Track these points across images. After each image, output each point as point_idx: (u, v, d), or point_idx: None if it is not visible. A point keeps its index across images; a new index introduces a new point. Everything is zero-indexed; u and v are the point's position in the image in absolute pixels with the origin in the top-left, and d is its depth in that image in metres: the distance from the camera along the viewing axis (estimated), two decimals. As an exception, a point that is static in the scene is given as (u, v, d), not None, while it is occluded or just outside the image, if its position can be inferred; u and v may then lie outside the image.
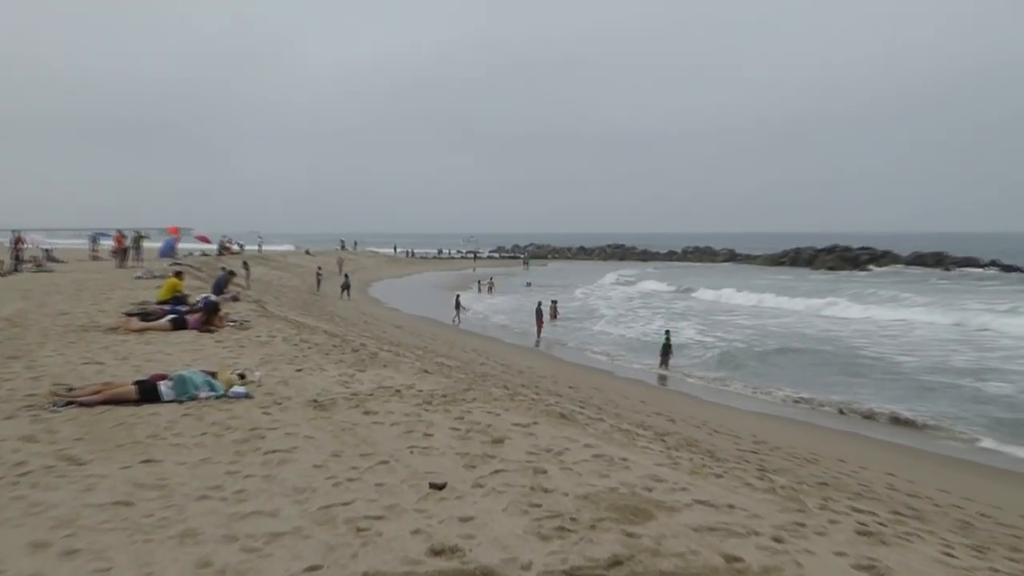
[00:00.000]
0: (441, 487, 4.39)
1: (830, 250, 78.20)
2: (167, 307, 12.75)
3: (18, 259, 27.01)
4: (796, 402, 15.29)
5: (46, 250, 32.82)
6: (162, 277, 19.20)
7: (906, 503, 7.35)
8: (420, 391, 7.47)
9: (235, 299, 16.15)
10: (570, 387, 13.58)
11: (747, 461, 8.02)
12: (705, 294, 41.81)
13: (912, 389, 16.39)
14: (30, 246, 31.59)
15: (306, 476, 4.56)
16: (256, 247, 60.83)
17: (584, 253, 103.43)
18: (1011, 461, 11.21)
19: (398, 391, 7.37)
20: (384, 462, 4.90)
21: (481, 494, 4.31)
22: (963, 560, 4.06)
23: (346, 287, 35.66)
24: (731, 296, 39.72)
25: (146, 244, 33.09)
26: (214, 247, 49.10)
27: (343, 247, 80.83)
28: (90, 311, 13.05)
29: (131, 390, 6.41)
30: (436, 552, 3.46)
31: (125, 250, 29.50)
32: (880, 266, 71.08)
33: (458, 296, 30.64)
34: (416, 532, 3.71)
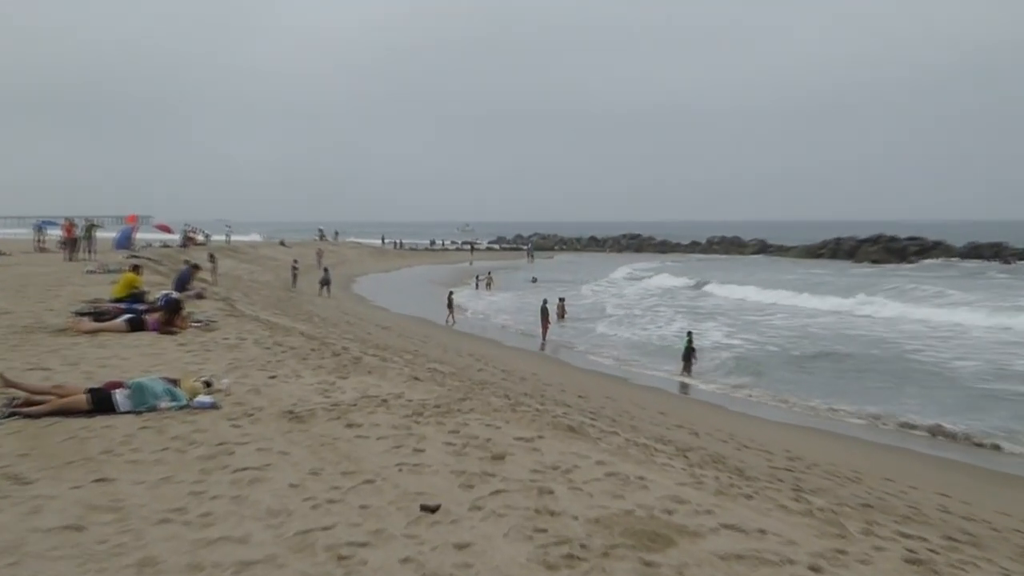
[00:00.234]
0: (434, 510, 4.39)
1: (874, 240, 78.23)
2: (123, 306, 12.76)
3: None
4: (835, 413, 15.30)
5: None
6: (117, 272, 19.24)
7: (961, 527, 7.35)
8: (410, 401, 7.48)
9: (200, 296, 16.17)
10: (580, 396, 13.60)
11: (780, 480, 8.03)
12: (731, 291, 41.84)
13: (968, 399, 16.40)
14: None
15: (281, 497, 4.56)
16: (224, 237, 60.91)
17: (595, 244, 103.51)
18: (1080, 480, 11.20)
19: (385, 401, 7.38)
20: (369, 481, 4.90)
21: (479, 517, 4.31)
22: (1026, 592, 4.05)
23: (326, 283, 35.67)
24: (760, 293, 39.74)
25: (99, 234, 33.09)
26: (176, 237, 49.23)
27: (322, 237, 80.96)
28: (36, 310, 13.06)
29: (83, 399, 6.41)
30: (428, 583, 3.46)
31: (75, 241, 29.50)
32: (931, 258, 71.04)
33: (451, 294, 30.64)
34: (406, 561, 3.71)
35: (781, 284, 42.90)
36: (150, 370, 8.07)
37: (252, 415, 6.54)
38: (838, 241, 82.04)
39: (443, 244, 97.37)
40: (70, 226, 30.27)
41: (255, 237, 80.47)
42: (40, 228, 38.80)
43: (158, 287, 16.38)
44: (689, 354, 19.67)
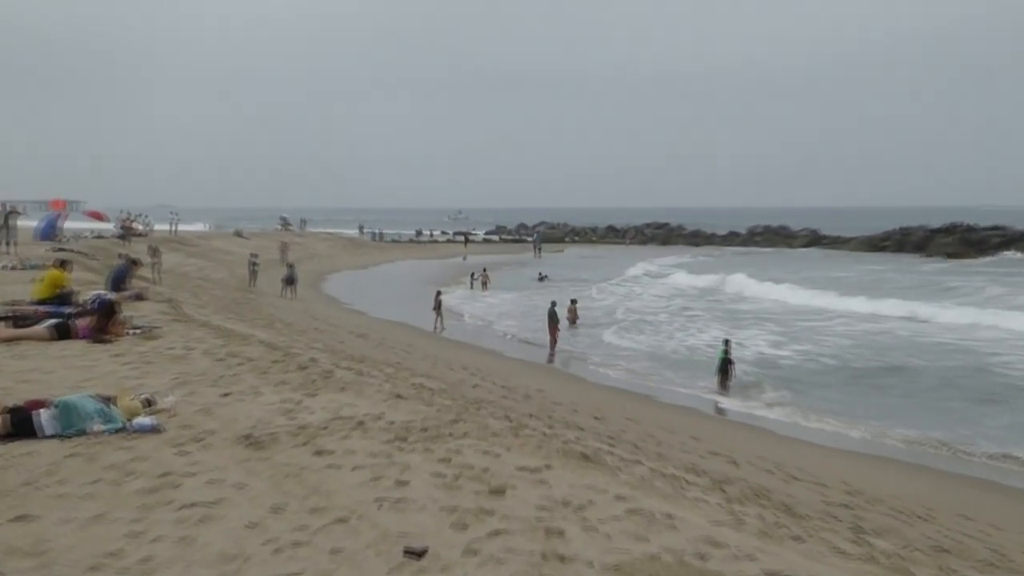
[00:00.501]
0: (420, 554, 4.39)
1: (949, 230, 78.19)
2: (47, 308, 12.77)
3: None
4: (903, 438, 15.29)
5: None
6: (41, 267, 19.26)
7: (1054, 576, 7.34)
8: (391, 423, 7.48)
9: (139, 297, 16.19)
10: (595, 417, 13.59)
11: (836, 518, 8.02)
12: (778, 291, 41.76)
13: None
14: None
15: (236, 539, 4.56)
16: (169, 227, 61.03)
17: (614, 235, 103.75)
18: None
19: (361, 423, 7.38)
20: (342, 520, 4.90)
21: (475, 564, 4.31)
22: None
23: (290, 281, 35.75)
24: (811, 295, 39.60)
25: (20, 222, 33.14)
26: (111, 227, 49.27)
27: (286, 226, 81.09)
28: (-57, 314, 13.07)
29: (-2, 421, 6.42)
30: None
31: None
32: (1018, 251, 70.97)
33: (439, 294, 30.66)
34: (386, 616, 3.71)
35: (834, 284, 42.78)
36: (80, 386, 8.07)
37: (202, 440, 6.54)
38: (904, 232, 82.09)
39: (431, 235, 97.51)
40: (-18, 213, 30.32)
41: (200, 226, 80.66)
42: (-54, 216, 38.84)
43: (89, 286, 16.39)
44: (726, 367, 19.68)
